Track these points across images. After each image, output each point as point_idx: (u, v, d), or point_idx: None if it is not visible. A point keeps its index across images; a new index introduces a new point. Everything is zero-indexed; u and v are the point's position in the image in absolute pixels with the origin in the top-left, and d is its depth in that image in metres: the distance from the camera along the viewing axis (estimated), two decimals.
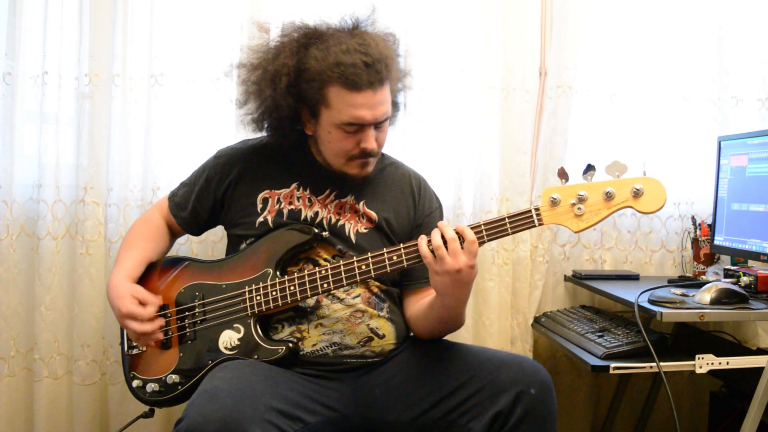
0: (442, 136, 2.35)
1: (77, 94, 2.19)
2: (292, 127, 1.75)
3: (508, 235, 1.55)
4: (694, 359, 1.82)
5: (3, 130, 2.15)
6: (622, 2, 2.44)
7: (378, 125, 1.66)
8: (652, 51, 2.44)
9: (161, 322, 1.72)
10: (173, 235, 1.94)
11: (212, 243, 2.24)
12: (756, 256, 2.10)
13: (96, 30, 2.16)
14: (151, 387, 1.71)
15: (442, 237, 1.52)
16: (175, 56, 2.21)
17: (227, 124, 2.22)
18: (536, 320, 2.36)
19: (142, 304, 1.71)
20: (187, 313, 1.72)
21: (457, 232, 1.52)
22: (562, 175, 1.54)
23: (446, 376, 1.61)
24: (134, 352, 1.76)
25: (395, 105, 1.77)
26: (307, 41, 1.66)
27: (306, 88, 1.64)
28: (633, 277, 2.34)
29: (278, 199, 1.75)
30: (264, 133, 1.81)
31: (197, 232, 1.94)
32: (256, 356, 1.63)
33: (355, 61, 1.57)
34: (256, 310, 1.66)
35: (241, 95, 1.77)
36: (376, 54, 1.59)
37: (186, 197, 1.87)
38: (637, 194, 1.50)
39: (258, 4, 2.21)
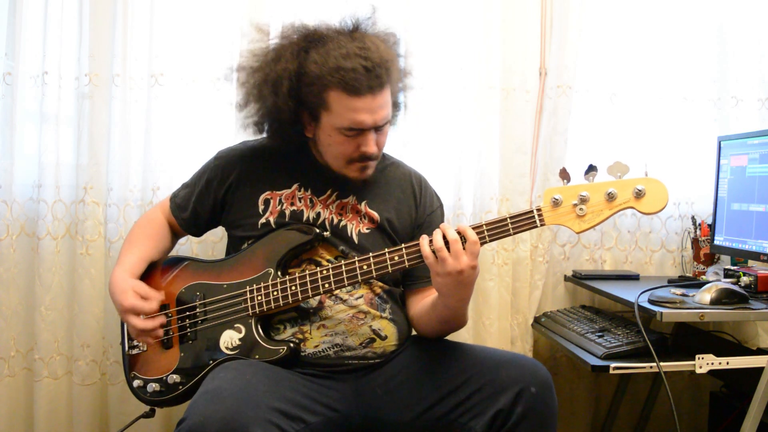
0: (442, 136, 2.35)
1: (77, 94, 2.18)
2: (292, 130, 1.74)
3: (509, 235, 1.55)
4: (694, 359, 1.83)
5: (3, 130, 2.15)
6: (622, 2, 2.44)
7: (378, 128, 1.65)
8: (652, 51, 2.44)
9: (162, 319, 1.71)
10: (175, 235, 1.94)
11: (212, 243, 2.23)
12: (756, 256, 2.10)
13: (96, 30, 2.16)
14: (152, 387, 1.70)
15: (444, 238, 1.52)
16: (175, 56, 2.20)
17: (227, 125, 2.21)
18: (536, 320, 2.36)
19: (144, 299, 1.71)
20: (188, 313, 1.72)
21: (459, 233, 1.52)
22: (564, 175, 1.54)
23: (447, 375, 1.61)
24: (135, 351, 1.76)
25: (396, 105, 1.77)
26: (307, 44, 1.65)
27: (306, 92, 1.63)
28: (633, 277, 2.34)
29: (280, 200, 1.75)
30: (265, 136, 1.80)
31: (198, 233, 1.93)
32: (257, 356, 1.63)
33: (355, 66, 1.56)
34: (257, 310, 1.66)
35: (241, 98, 1.76)
36: (376, 58, 1.58)
37: (187, 198, 1.87)
38: (639, 195, 1.51)
39: (257, 4, 2.21)
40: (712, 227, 2.31)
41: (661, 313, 1.80)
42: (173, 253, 1.97)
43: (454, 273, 1.50)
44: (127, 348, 1.78)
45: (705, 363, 1.82)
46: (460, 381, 1.59)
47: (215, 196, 1.81)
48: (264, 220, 1.74)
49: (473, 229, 1.53)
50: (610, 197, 1.51)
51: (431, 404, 1.60)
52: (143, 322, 1.69)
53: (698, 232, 2.41)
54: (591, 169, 1.53)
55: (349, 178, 1.72)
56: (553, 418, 1.55)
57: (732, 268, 2.13)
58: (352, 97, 1.57)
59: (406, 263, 1.58)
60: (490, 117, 2.33)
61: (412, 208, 1.82)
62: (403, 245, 1.59)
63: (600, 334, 1.98)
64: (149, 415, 1.81)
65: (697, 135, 2.47)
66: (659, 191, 1.51)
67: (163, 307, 1.74)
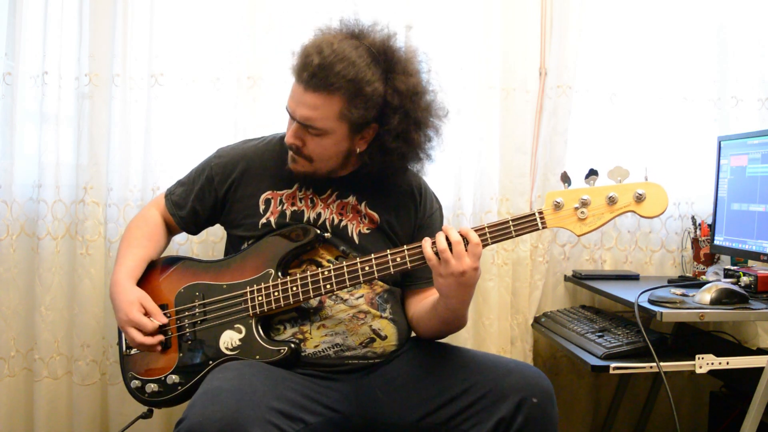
0: (442, 136, 2.34)
1: (77, 94, 2.18)
2: None
3: (511, 237, 1.56)
4: (694, 359, 1.83)
5: (3, 130, 2.15)
6: (622, 2, 2.44)
7: (307, 129, 1.63)
8: (652, 51, 2.44)
9: (161, 337, 1.70)
10: (170, 233, 1.93)
11: (212, 243, 2.23)
12: (756, 256, 2.10)
13: (96, 30, 2.16)
14: (151, 387, 1.70)
15: (447, 240, 1.52)
16: (175, 56, 2.21)
17: (227, 125, 2.22)
18: (536, 320, 2.36)
19: (147, 314, 1.71)
20: (186, 314, 1.72)
21: (462, 235, 1.52)
22: (565, 179, 1.55)
23: (449, 381, 1.61)
24: (133, 352, 1.75)
25: (400, 138, 1.70)
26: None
27: None
28: (633, 277, 2.35)
29: (281, 200, 1.75)
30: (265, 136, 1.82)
31: (195, 231, 1.93)
32: (257, 357, 1.63)
33: (304, 53, 1.60)
34: (257, 310, 1.66)
35: None
36: (326, 60, 1.56)
37: (184, 196, 1.86)
38: (639, 199, 1.51)
39: (258, 5, 2.21)
40: (712, 227, 2.31)
41: (661, 313, 1.80)
42: (173, 253, 1.97)
43: (456, 274, 1.50)
44: (125, 348, 1.76)
45: (705, 363, 1.83)
46: (464, 387, 1.58)
47: (216, 194, 1.81)
48: (265, 220, 1.74)
49: (475, 231, 1.54)
50: (611, 201, 1.52)
51: (433, 408, 1.59)
52: (143, 338, 1.68)
53: (698, 232, 2.41)
54: (592, 173, 1.54)
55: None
56: (553, 429, 1.54)
57: (732, 268, 2.13)
58: (293, 78, 1.63)
59: (408, 264, 1.58)
60: (490, 117, 2.33)
61: (412, 209, 1.82)
62: (405, 246, 1.59)
63: (600, 334, 1.99)
64: (147, 415, 1.81)
65: (697, 135, 2.48)
66: (659, 195, 1.51)
67: (161, 306, 1.73)
